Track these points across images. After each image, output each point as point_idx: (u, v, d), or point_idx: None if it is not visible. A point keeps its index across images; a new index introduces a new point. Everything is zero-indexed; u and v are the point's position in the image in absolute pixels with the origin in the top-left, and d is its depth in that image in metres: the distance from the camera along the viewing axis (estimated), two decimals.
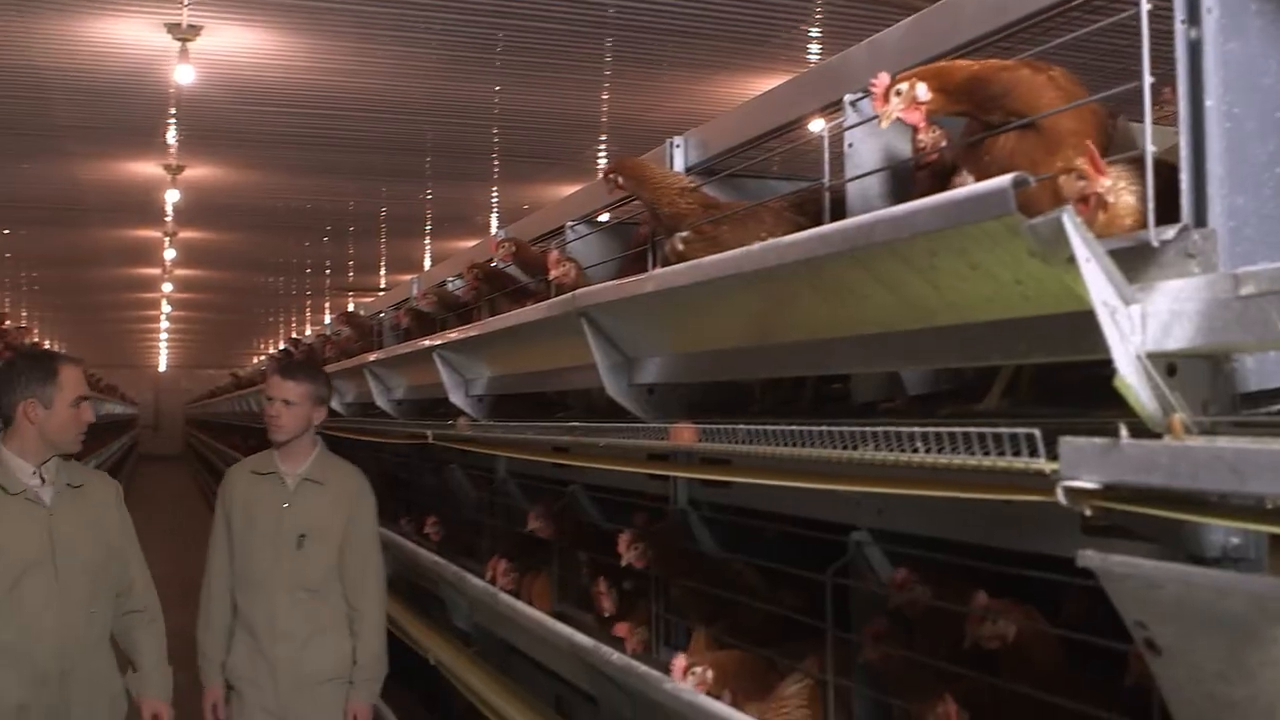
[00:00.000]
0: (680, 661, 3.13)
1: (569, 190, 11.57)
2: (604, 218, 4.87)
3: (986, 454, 1.88)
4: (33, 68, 11.19)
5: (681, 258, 3.29)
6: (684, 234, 3.35)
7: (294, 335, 27.65)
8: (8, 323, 10.66)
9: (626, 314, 3.43)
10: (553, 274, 4.46)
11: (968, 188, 1.88)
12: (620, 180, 3.67)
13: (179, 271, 24.27)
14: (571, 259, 4.56)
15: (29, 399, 3.98)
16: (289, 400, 4.70)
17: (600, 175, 3.83)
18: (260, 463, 4.88)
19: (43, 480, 4.04)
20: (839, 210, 2.87)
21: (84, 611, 4.06)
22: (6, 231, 20.08)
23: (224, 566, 4.75)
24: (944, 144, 2.84)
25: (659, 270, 3.28)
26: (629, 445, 3.41)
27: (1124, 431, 1.61)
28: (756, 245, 2.55)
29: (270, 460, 4.81)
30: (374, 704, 4.77)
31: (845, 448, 2.26)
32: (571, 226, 4.82)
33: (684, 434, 3.04)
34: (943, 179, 2.75)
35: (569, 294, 3.70)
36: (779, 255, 2.41)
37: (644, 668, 3.35)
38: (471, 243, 13.36)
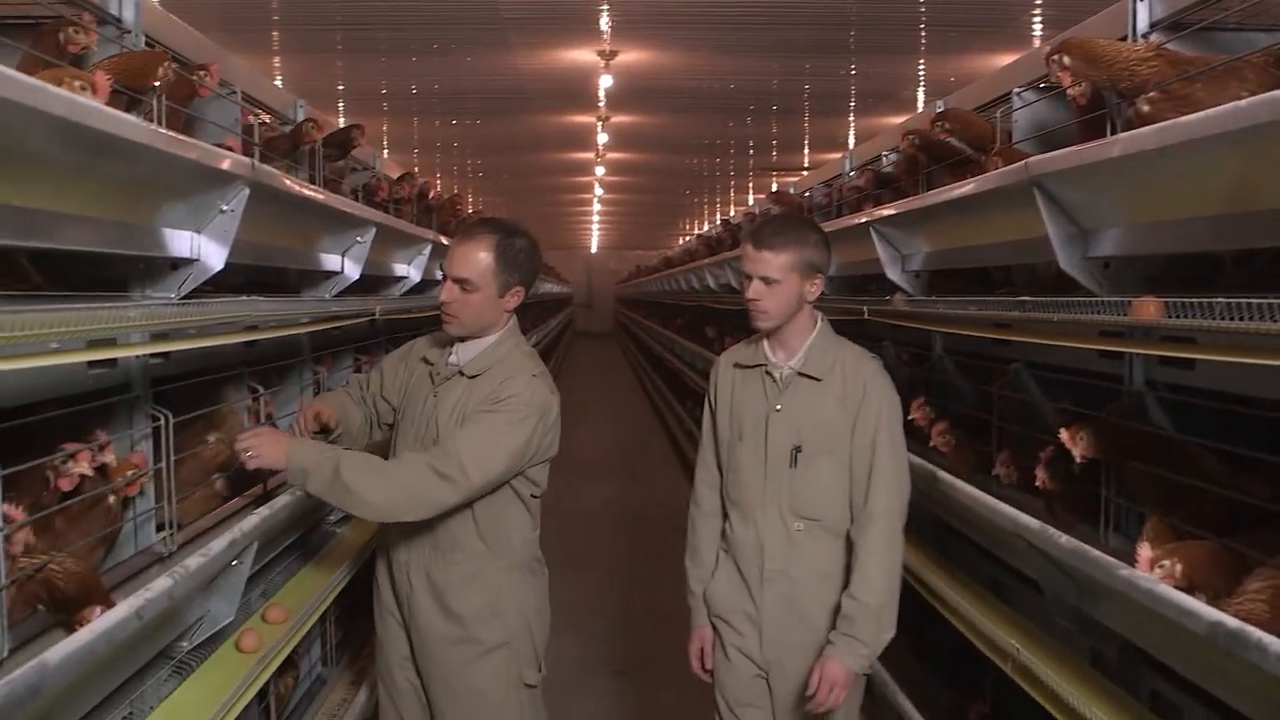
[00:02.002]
0: (1146, 552, 2.95)
1: (999, 61, 11.11)
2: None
3: None
4: None
5: (1147, 120, 3.06)
6: (1150, 94, 3.12)
7: (721, 216, 28.21)
8: (458, 206, 11.38)
9: (1084, 182, 3.26)
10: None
11: None
12: (1066, 61, 3.41)
13: (610, 155, 25.13)
14: (998, 151, 4.25)
15: None
16: (769, 278, 3.60)
17: (1045, 61, 3.58)
18: (746, 353, 3.84)
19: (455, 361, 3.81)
20: None
21: None
22: (454, 122, 21.38)
23: (713, 476, 3.88)
24: None
25: (1125, 134, 3.07)
26: (1084, 321, 3.25)
27: None
28: (1245, 101, 2.33)
29: (758, 350, 3.78)
30: (858, 672, 3.55)
31: None
32: (1018, 94, 4.59)
33: (1148, 308, 2.85)
34: None
35: (1021, 163, 3.54)
36: (1273, 110, 2.21)
37: (1096, 552, 3.20)
38: (899, 119, 13.10)
